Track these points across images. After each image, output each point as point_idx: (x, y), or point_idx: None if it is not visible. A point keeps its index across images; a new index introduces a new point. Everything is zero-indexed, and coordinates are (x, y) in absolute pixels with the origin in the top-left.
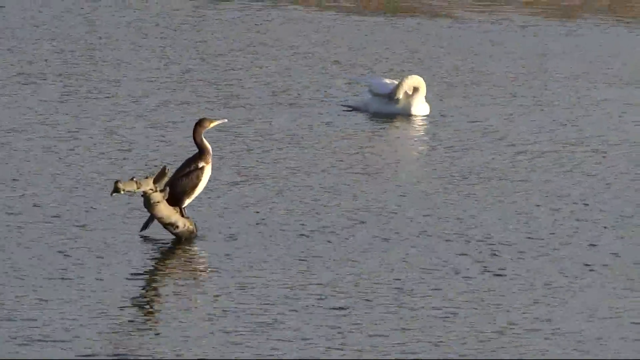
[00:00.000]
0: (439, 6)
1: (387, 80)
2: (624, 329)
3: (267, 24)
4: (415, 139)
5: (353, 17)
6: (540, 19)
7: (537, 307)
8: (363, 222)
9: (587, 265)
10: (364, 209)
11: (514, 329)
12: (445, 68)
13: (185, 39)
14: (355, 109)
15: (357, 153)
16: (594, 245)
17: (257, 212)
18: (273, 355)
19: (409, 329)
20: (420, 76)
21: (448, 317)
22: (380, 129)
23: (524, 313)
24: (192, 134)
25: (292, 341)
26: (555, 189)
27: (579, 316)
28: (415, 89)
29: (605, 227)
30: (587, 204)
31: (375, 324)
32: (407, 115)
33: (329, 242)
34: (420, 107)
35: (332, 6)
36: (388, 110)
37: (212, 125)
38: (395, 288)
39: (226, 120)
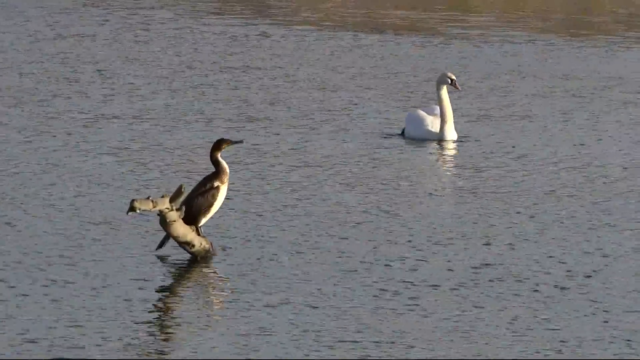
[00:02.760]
0: (450, 27)
1: (423, 115)
2: None
3: (283, 44)
4: (446, 164)
5: (365, 36)
6: (553, 37)
7: None
8: (386, 239)
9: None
10: (384, 227)
11: None
12: (466, 89)
13: (200, 56)
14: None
15: (383, 174)
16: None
17: (275, 232)
18: None
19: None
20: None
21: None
22: (412, 153)
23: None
24: (209, 154)
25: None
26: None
27: None
28: (443, 119)
29: None
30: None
31: (409, 335)
32: (438, 140)
33: (339, 255)
34: (450, 132)
35: (344, 25)
36: (419, 135)
37: (228, 146)
38: (429, 300)
39: (243, 141)
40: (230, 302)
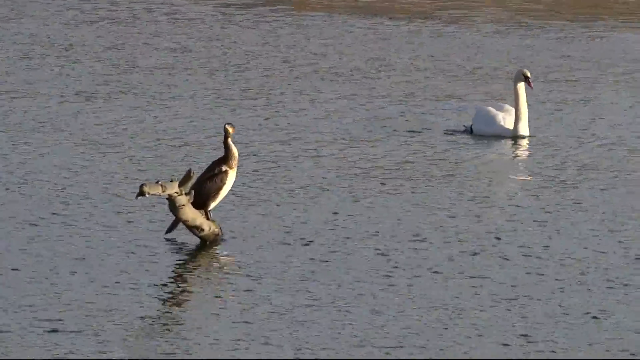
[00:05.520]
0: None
1: (493, 111)
2: None
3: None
4: (520, 160)
5: (408, 26)
6: (579, 22)
7: None
8: (410, 230)
9: None
10: (420, 222)
11: None
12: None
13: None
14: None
15: (450, 170)
16: None
17: (286, 217)
18: (298, 355)
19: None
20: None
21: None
22: (484, 149)
23: None
24: (222, 138)
25: (317, 342)
26: None
27: None
28: (517, 114)
29: None
30: None
31: (414, 332)
32: (509, 136)
33: (343, 253)
34: (524, 129)
35: (388, 13)
36: (490, 132)
37: (234, 130)
38: (455, 303)
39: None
40: (238, 286)
